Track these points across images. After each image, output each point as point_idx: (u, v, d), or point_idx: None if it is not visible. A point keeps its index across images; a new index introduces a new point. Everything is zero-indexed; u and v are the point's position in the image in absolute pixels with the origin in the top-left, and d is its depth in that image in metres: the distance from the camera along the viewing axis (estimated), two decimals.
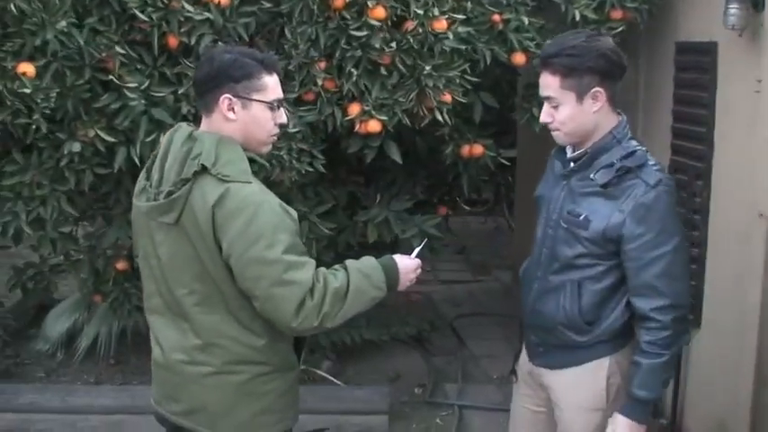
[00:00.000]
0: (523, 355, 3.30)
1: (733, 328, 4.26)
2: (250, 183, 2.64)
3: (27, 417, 4.89)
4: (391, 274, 2.84)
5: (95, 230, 5.03)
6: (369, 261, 2.84)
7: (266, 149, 2.88)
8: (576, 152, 2.94)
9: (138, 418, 4.85)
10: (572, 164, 2.96)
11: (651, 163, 2.87)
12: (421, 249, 3.07)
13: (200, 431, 2.83)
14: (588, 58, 2.79)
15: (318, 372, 5.43)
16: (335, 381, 5.38)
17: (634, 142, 2.93)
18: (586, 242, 2.88)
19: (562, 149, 3.05)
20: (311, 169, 4.20)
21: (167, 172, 2.71)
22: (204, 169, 2.62)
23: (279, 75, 2.80)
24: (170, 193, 2.66)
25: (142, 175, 2.87)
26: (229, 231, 2.58)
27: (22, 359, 5.78)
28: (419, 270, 2.97)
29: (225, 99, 2.67)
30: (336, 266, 2.77)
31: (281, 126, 2.83)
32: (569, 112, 2.84)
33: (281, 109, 2.79)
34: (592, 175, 2.87)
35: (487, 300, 7.17)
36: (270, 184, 4.21)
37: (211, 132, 2.71)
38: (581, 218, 2.88)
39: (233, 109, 2.69)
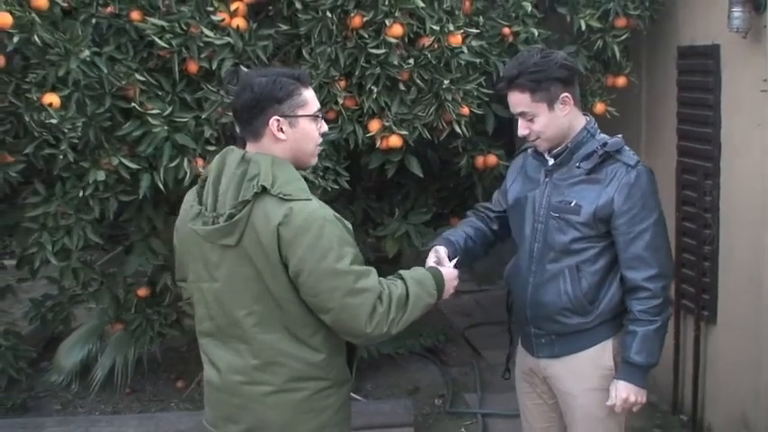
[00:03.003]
0: (521, 355, 3.43)
1: (750, 323, 4.36)
2: (311, 200, 2.69)
3: None
4: (440, 281, 2.93)
5: (111, 258, 5.04)
6: (420, 270, 2.93)
7: (314, 161, 2.91)
8: (555, 150, 3.16)
9: None
10: (552, 161, 3.19)
11: (627, 148, 3.14)
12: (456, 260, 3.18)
13: None
14: (551, 70, 3.06)
15: None
16: (356, 396, 5.41)
17: (604, 135, 3.19)
18: (580, 226, 3.09)
19: (536, 151, 3.27)
20: (337, 186, 4.25)
21: (222, 195, 2.74)
22: (264, 190, 2.66)
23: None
24: (231, 216, 2.69)
25: (193, 199, 2.87)
26: (299, 248, 2.62)
27: (36, 392, 5.75)
28: (458, 279, 3.07)
29: (274, 121, 2.72)
30: (391, 276, 2.84)
31: (323, 135, 2.90)
32: (545, 120, 3.10)
33: (322, 119, 2.88)
34: (577, 165, 3.12)
35: (494, 308, 7.16)
36: None
37: (264, 154, 2.75)
38: (572, 204, 3.10)
39: (282, 129, 2.73)
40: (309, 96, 2.80)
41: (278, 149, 2.75)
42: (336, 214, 2.74)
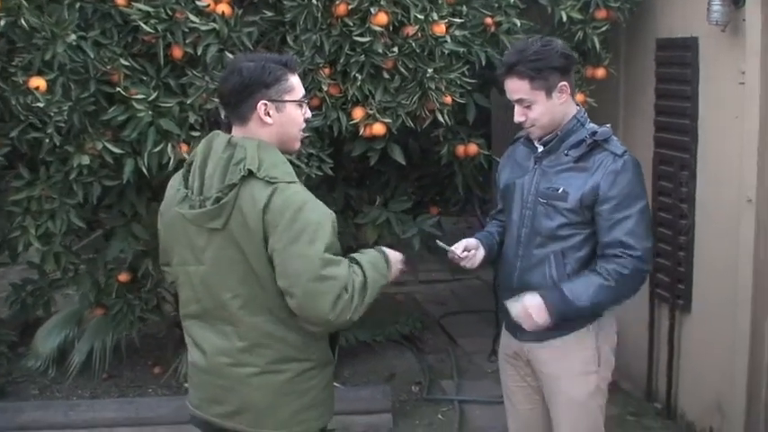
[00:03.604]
0: (505, 338, 3.50)
1: (724, 312, 4.43)
2: (294, 182, 2.74)
3: None
4: (388, 263, 2.95)
5: (89, 243, 5.02)
6: (371, 252, 2.95)
7: (298, 145, 2.96)
8: (545, 138, 3.23)
9: (142, 429, 4.92)
10: (542, 148, 3.25)
11: (615, 138, 3.20)
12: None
13: (241, 430, 2.89)
14: (551, 59, 3.12)
15: None
16: (334, 383, 5.43)
17: (594, 124, 3.25)
18: (566, 212, 3.15)
19: (527, 139, 3.34)
20: (321, 173, 4.28)
21: (209, 179, 2.78)
22: (251, 173, 2.70)
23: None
24: (218, 199, 2.73)
25: (179, 183, 2.91)
26: (276, 229, 2.66)
27: (14, 377, 5.74)
28: (403, 261, 3.08)
29: (261, 105, 2.77)
30: (348, 261, 2.84)
31: (308, 120, 2.95)
32: (542, 108, 3.15)
33: (306, 105, 2.93)
34: (565, 152, 3.18)
35: (470, 297, 7.28)
36: None
37: (250, 138, 2.79)
38: (560, 191, 3.16)
39: (269, 113, 2.78)
40: (296, 82, 2.85)
41: (264, 133, 2.80)
42: (322, 203, 2.77)
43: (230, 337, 2.83)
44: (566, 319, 3.14)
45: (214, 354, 2.87)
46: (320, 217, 2.71)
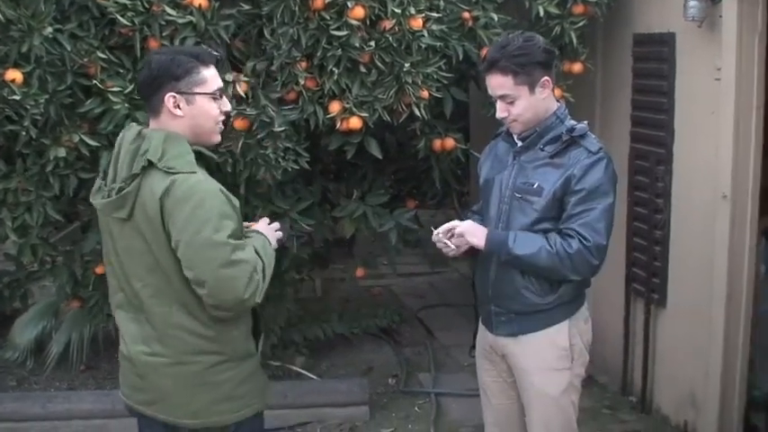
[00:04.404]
0: (482, 332, 3.54)
1: (700, 306, 4.47)
2: (195, 172, 2.76)
3: (9, 426, 4.91)
4: (269, 240, 3.04)
5: (67, 235, 5.01)
6: (255, 236, 3.00)
7: (216, 139, 2.98)
8: (524, 133, 3.25)
9: (120, 421, 4.88)
10: (521, 143, 3.27)
11: (592, 135, 3.23)
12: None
13: (161, 419, 2.96)
14: (534, 54, 3.14)
15: (293, 367, 5.52)
16: (311, 375, 5.46)
17: (573, 121, 3.28)
18: (541, 208, 3.18)
19: (507, 134, 3.37)
20: (297, 167, 4.28)
21: (119, 170, 2.84)
22: (151, 164, 2.74)
23: (216, 66, 2.93)
24: (120, 189, 2.78)
25: (100, 175, 3.01)
26: (178, 219, 2.70)
27: None
28: (275, 223, 3.21)
29: (170, 97, 2.81)
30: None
31: (226, 113, 2.97)
32: (525, 103, 3.17)
33: (224, 97, 2.94)
34: (541, 147, 3.22)
35: (449, 291, 7.30)
36: (253, 182, 4.31)
37: (159, 130, 2.83)
38: (535, 186, 3.19)
39: (178, 105, 2.82)
40: (209, 75, 2.87)
41: (176, 126, 2.84)
42: (223, 189, 2.83)
43: (145, 327, 2.90)
44: (494, 253, 3.21)
45: (132, 342, 2.94)
46: (223, 205, 2.77)
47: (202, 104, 2.85)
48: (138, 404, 3.00)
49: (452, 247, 3.26)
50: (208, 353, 2.87)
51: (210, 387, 2.89)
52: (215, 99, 2.88)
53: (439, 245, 3.32)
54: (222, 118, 2.94)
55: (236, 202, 2.86)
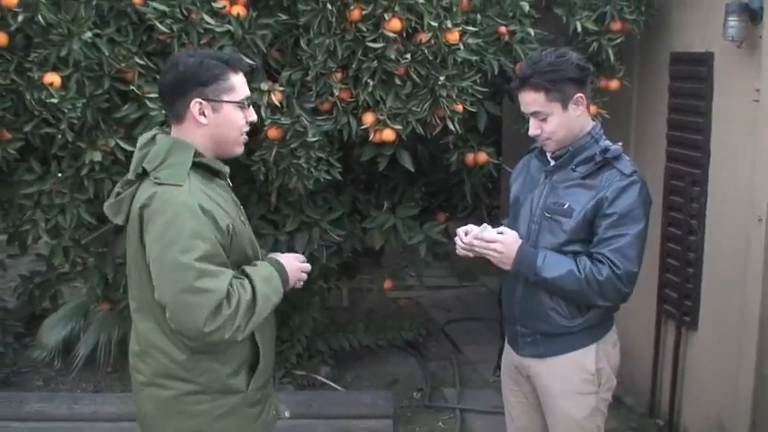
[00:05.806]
0: (507, 351, 3.49)
1: (732, 329, 4.41)
2: (180, 185, 2.57)
3: (34, 425, 4.92)
4: (284, 275, 2.80)
5: (99, 237, 5.04)
6: (264, 266, 2.78)
7: (239, 150, 2.81)
8: (558, 152, 3.20)
9: None
10: (553, 162, 3.21)
11: (626, 158, 3.15)
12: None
13: None
14: (567, 70, 3.08)
15: (318, 377, 5.52)
16: (335, 386, 5.46)
17: (608, 141, 3.20)
18: (571, 229, 3.10)
19: (541, 152, 3.31)
20: (329, 177, 4.29)
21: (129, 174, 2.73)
22: (144, 172, 2.62)
23: (244, 73, 2.76)
24: (117, 194, 2.69)
25: None
26: (151, 232, 2.53)
27: (18, 368, 5.79)
28: (305, 264, 2.97)
29: (196, 104, 2.64)
30: (237, 274, 2.67)
31: (251, 123, 2.79)
32: (558, 120, 3.11)
33: (251, 107, 2.78)
34: (573, 168, 3.15)
35: (476, 305, 7.26)
36: (285, 191, 4.32)
37: (168, 136, 2.70)
38: (565, 206, 3.12)
39: (204, 113, 2.66)
40: (238, 82, 2.71)
41: (199, 134, 2.69)
42: (208, 206, 2.58)
43: (133, 340, 2.81)
44: (520, 275, 3.15)
45: (130, 353, 2.85)
46: (200, 224, 2.54)
47: (228, 113, 2.69)
48: (135, 414, 2.90)
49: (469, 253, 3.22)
50: (180, 379, 2.68)
51: (184, 416, 2.70)
52: (242, 108, 2.72)
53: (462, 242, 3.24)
54: (247, 128, 2.78)
55: (226, 224, 2.62)
